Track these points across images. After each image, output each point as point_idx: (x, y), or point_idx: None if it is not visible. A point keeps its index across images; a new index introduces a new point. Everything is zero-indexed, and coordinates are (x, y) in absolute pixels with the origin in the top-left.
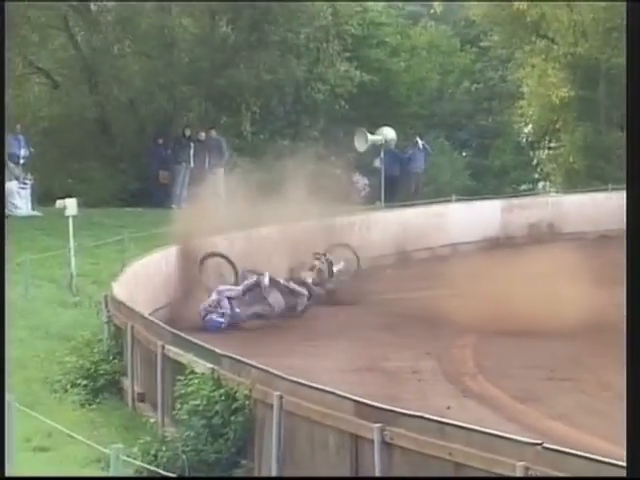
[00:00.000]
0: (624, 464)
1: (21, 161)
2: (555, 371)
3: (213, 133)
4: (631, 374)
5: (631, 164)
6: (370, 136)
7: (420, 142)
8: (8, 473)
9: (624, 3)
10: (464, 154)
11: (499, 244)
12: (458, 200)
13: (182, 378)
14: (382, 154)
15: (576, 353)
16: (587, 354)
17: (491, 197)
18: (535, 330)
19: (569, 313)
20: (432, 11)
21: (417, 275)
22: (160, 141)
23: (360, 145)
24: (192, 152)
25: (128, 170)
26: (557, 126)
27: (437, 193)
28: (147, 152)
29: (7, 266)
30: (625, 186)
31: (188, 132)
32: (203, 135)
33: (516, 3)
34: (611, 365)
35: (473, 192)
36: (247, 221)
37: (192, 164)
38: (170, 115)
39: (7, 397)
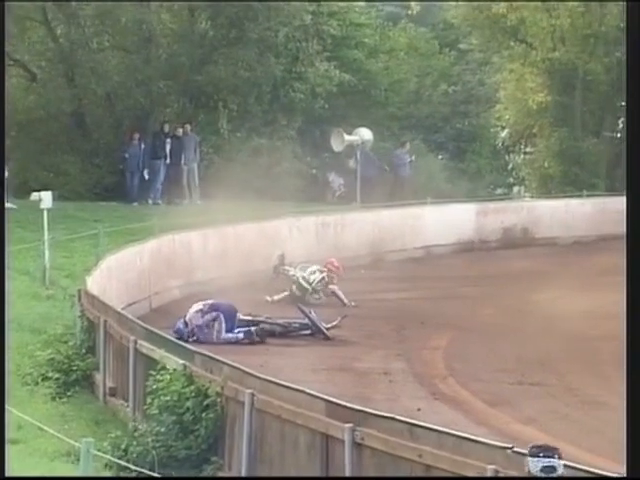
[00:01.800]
0: (593, 469)
1: None
2: (525, 375)
3: (188, 128)
4: (631, 376)
5: (631, 167)
6: (347, 136)
7: (407, 147)
8: (8, 473)
9: (601, 9)
10: (440, 157)
11: (473, 247)
12: (433, 203)
13: (154, 374)
14: (358, 155)
15: (546, 358)
16: (556, 359)
17: (466, 200)
18: (506, 334)
19: (540, 318)
20: (410, 12)
21: (391, 276)
22: (137, 136)
23: (336, 145)
24: (169, 148)
25: (103, 164)
26: (533, 131)
27: (413, 195)
28: (123, 147)
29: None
30: (625, 190)
31: (166, 128)
32: (180, 131)
33: (495, 6)
34: (579, 370)
35: (448, 195)
36: (221, 218)
37: (168, 160)
38: (147, 111)
39: (7, 399)
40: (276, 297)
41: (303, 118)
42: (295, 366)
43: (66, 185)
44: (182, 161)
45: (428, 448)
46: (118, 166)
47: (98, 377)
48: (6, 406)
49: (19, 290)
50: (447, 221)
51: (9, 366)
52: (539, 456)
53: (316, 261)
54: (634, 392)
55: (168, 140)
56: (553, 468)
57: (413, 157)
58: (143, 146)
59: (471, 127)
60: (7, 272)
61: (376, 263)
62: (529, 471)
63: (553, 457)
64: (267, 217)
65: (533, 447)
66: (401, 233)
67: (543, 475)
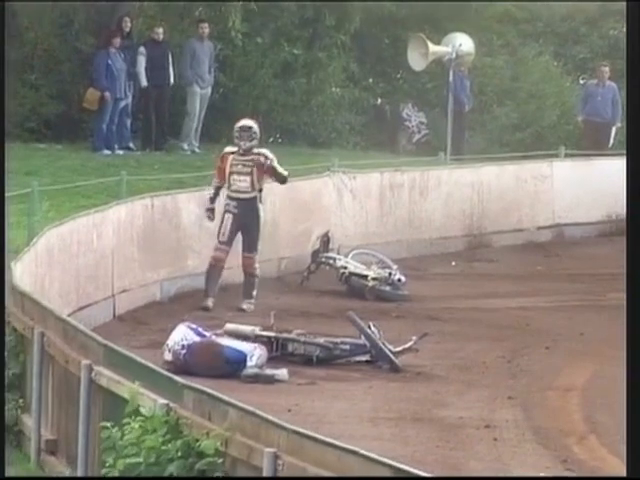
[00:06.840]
0: None
1: None
2: None
3: (205, 29)
4: (631, 372)
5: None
6: (433, 47)
7: (604, 72)
8: (8, 473)
9: None
10: (582, 82)
11: None
12: (569, 156)
13: (118, 419)
14: (451, 76)
15: None
16: None
17: (623, 153)
18: None
19: None
20: None
21: (499, 273)
22: (117, 42)
23: (416, 60)
24: (143, 60)
25: (42, 84)
26: None
27: (535, 143)
28: (73, 57)
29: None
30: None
31: (127, 25)
32: (160, 34)
33: None
34: None
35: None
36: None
37: (144, 82)
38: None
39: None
40: None
41: (362, 17)
42: (344, 412)
43: None
44: (169, 81)
45: None
46: (64, 87)
47: (29, 423)
48: None
49: None
50: (591, 186)
51: None
52: None
53: (381, 246)
54: (634, 392)
55: (141, 49)
56: None
57: (616, 87)
58: (105, 58)
59: None
60: None
61: (475, 251)
62: None
63: None
64: (302, 173)
65: None
66: (517, 203)
67: None
